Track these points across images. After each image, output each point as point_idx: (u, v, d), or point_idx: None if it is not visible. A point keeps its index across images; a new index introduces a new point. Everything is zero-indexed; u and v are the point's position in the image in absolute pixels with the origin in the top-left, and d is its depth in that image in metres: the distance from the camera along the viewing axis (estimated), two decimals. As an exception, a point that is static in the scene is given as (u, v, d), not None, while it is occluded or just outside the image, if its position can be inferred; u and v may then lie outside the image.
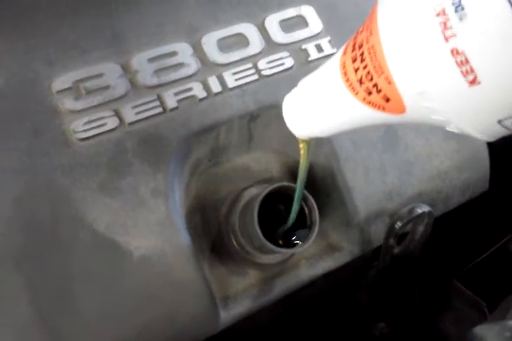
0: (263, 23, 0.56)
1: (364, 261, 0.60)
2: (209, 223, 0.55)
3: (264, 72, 0.55)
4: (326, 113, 0.35)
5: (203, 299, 0.49)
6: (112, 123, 0.48)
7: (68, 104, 0.47)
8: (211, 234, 0.55)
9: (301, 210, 0.50)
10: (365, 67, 0.29)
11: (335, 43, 0.58)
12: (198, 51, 0.53)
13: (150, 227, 0.47)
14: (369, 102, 0.30)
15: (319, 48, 0.58)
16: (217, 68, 0.53)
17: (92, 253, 0.45)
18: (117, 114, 0.48)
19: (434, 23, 0.24)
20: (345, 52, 0.32)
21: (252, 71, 0.54)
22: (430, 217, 0.54)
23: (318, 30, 0.58)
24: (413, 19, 0.25)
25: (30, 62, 0.48)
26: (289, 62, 0.56)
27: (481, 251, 0.70)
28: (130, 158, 0.48)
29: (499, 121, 0.26)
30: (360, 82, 0.30)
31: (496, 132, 0.27)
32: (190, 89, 0.51)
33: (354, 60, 0.30)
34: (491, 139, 0.28)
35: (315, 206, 0.51)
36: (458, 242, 0.76)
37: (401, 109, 0.29)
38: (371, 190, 0.57)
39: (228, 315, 0.51)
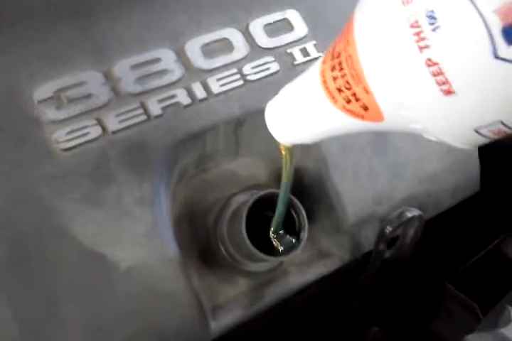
0: (247, 27, 0.55)
1: (355, 266, 0.59)
2: (197, 231, 0.54)
3: (249, 77, 0.54)
4: (307, 120, 0.36)
5: (191, 310, 0.48)
6: (94, 132, 0.47)
7: (50, 113, 0.46)
8: (199, 242, 0.54)
9: (289, 216, 0.50)
10: (343, 76, 0.29)
11: (320, 47, 0.58)
12: (182, 57, 0.52)
13: (136, 238, 0.46)
14: (348, 110, 0.31)
15: (305, 52, 0.57)
16: (202, 74, 0.52)
17: (77, 265, 0.44)
18: (100, 122, 0.47)
19: (408, 34, 0.24)
20: (324, 61, 0.32)
21: (237, 76, 0.54)
22: (420, 221, 0.54)
23: (304, 34, 0.58)
24: (388, 30, 0.25)
25: (11, 72, 0.47)
26: (274, 67, 0.55)
27: (474, 253, 0.70)
28: (114, 167, 0.47)
29: (476, 130, 0.26)
30: (339, 90, 0.30)
31: (474, 140, 0.27)
32: (174, 96, 0.51)
33: (333, 69, 0.30)
34: (470, 147, 0.29)
35: (303, 212, 0.50)
36: (450, 244, 0.76)
37: (379, 117, 0.29)
38: (360, 194, 0.57)
39: (218, 324, 0.51)
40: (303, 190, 0.56)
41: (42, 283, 0.43)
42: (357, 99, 0.29)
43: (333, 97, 0.31)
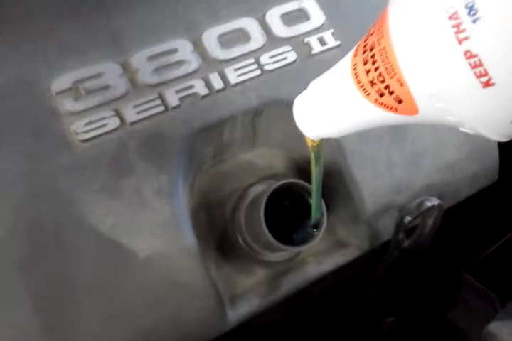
0: (264, 17, 0.55)
1: (373, 256, 0.59)
2: (214, 221, 0.54)
3: (266, 67, 0.54)
4: (338, 114, 0.35)
5: (209, 299, 0.48)
6: (113, 123, 0.47)
7: (68, 105, 0.47)
8: (217, 232, 0.54)
9: (307, 206, 0.50)
10: (376, 69, 0.29)
11: (338, 36, 0.57)
12: (199, 48, 0.52)
13: (154, 228, 0.46)
14: (381, 104, 0.30)
15: (322, 41, 0.57)
16: (219, 64, 0.52)
17: (96, 255, 0.45)
18: (118, 113, 0.48)
19: (447, 26, 0.24)
20: (355, 54, 0.31)
21: (255, 66, 0.53)
22: (440, 210, 0.53)
23: (321, 23, 0.57)
24: (425, 22, 0.25)
25: (28, 64, 0.47)
26: (291, 56, 0.55)
27: (491, 243, 0.69)
28: (133, 158, 0.47)
29: None
30: (372, 83, 0.30)
31: (510, 132, 0.27)
32: (191, 87, 0.51)
33: (365, 62, 0.30)
34: (504, 139, 0.28)
35: (322, 202, 0.50)
36: (468, 234, 0.75)
37: (414, 110, 0.29)
38: (379, 184, 0.56)
39: (236, 314, 0.51)
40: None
41: (61, 274, 0.44)
42: (391, 92, 0.29)
43: (365, 91, 0.31)
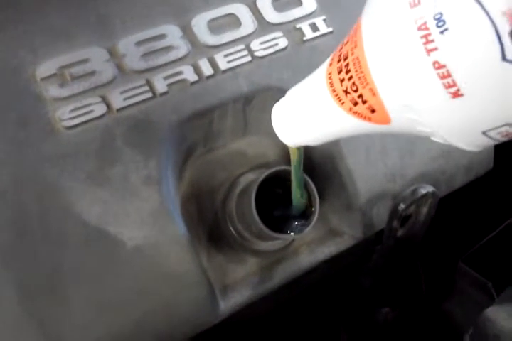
0: (255, 2, 0.54)
1: (367, 245, 0.58)
2: (205, 211, 0.54)
3: (257, 53, 0.53)
4: (314, 122, 0.36)
5: (200, 289, 0.47)
6: (99, 109, 0.46)
7: (53, 91, 0.45)
8: (207, 222, 0.53)
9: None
10: (350, 78, 0.30)
11: (330, 22, 0.56)
12: (188, 33, 0.51)
13: (143, 217, 0.45)
14: (355, 113, 0.31)
15: (314, 27, 0.56)
16: (209, 50, 0.51)
17: (83, 245, 0.44)
18: (104, 100, 0.47)
19: (416, 37, 0.24)
20: (331, 63, 0.32)
21: (245, 52, 0.52)
22: (434, 198, 0.52)
23: (313, 9, 0.56)
24: (395, 33, 0.26)
25: (13, 49, 0.46)
26: (283, 43, 0.54)
27: (487, 232, 0.69)
28: (120, 145, 0.46)
29: (484, 133, 0.26)
30: (346, 92, 0.30)
31: (482, 143, 0.27)
32: (180, 73, 0.50)
33: (340, 71, 0.31)
34: (477, 149, 0.29)
35: (314, 190, 0.49)
36: (463, 223, 0.75)
37: (386, 119, 0.29)
38: (372, 172, 0.55)
39: (228, 304, 0.50)
40: (314, 167, 0.55)
41: (47, 263, 0.43)
42: (364, 101, 0.29)
43: (339, 99, 0.31)
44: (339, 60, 0.31)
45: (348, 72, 0.30)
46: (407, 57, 0.25)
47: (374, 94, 0.28)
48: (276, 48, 0.54)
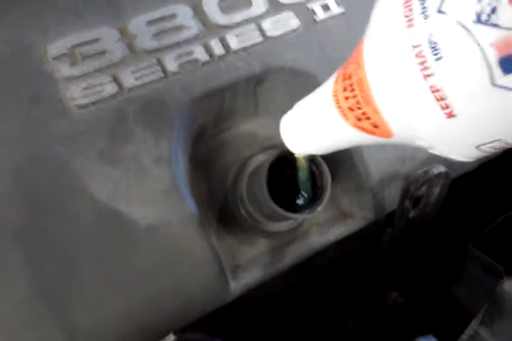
0: (266, -18, 0.54)
1: (378, 227, 0.58)
2: (215, 192, 0.54)
3: (269, 34, 0.52)
4: (320, 134, 0.38)
5: (211, 269, 0.47)
6: (110, 89, 0.46)
7: (64, 70, 0.45)
8: (217, 202, 0.53)
9: (312, 175, 0.49)
10: (354, 97, 0.32)
11: (342, 2, 0.56)
12: (199, 13, 0.51)
13: (154, 196, 0.45)
14: (359, 127, 0.33)
15: (326, 8, 0.55)
16: (220, 30, 0.51)
17: (95, 222, 0.44)
18: (116, 79, 0.46)
19: (414, 63, 0.27)
20: (336, 81, 0.34)
21: (257, 32, 0.52)
22: (446, 179, 0.52)
23: (325, -11, 0.56)
24: (395, 58, 0.28)
25: (24, 29, 0.46)
26: (294, 23, 0.54)
27: (498, 215, 0.68)
28: (131, 125, 0.46)
29: (477, 147, 0.29)
30: (351, 109, 0.33)
31: (476, 155, 0.30)
32: (191, 53, 0.49)
33: (344, 89, 0.33)
34: (471, 160, 0.31)
35: (327, 170, 0.49)
36: (473, 206, 0.74)
37: (389, 134, 0.32)
38: (383, 153, 0.55)
39: (238, 284, 0.50)
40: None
41: (60, 242, 0.43)
42: (367, 118, 0.32)
43: (345, 115, 0.34)
44: (344, 79, 0.33)
45: (352, 90, 0.32)
46: (406, 81, 0.28)
47: (377, 112, 0.31)
48: (288, 29, 0.53)
